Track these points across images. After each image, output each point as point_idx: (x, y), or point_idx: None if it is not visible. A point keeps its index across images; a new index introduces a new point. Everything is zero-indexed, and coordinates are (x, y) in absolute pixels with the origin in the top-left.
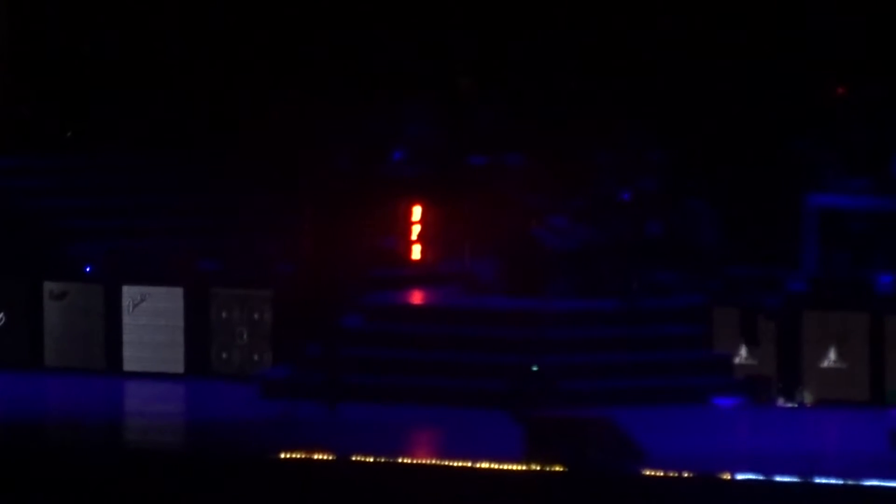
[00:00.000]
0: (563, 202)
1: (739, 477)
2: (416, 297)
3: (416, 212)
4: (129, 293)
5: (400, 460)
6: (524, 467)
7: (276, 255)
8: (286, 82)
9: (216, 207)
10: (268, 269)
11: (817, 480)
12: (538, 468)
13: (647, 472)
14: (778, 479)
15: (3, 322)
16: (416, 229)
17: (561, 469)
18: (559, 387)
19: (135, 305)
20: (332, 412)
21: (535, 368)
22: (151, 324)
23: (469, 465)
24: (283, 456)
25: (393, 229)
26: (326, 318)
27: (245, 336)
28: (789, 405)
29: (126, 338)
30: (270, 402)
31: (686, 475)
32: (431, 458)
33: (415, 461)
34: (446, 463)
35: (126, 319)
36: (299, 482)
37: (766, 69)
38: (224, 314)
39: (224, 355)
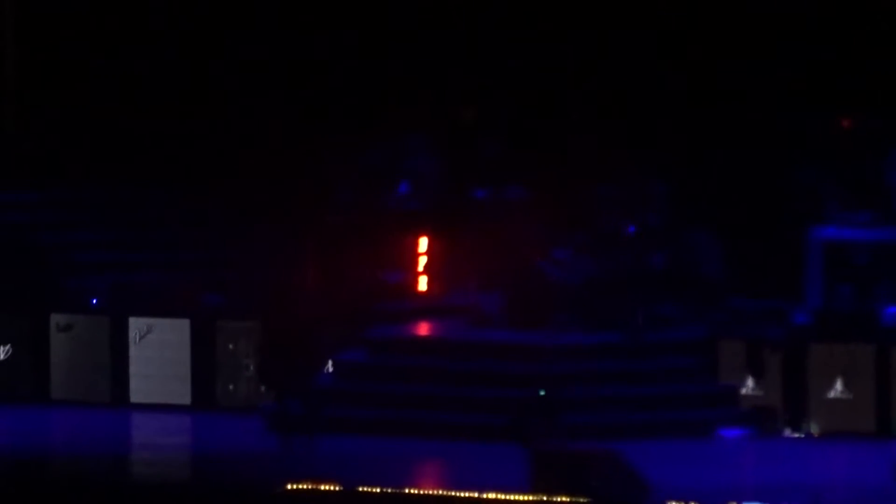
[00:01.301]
0: (567, 235)
1: None
2: (421, 330)
3: (423, 243)
4: (135, 325)
5: (406, 491)
6: (530, 499)
7: (277, 288)
8: (288, 115)
9: (221, 240)
10: (270, 302)
11: None
12: (544, 500)
13: None
14: None
15: (8, 354)
16: (422, 261)
17: (566, 501)
18: (563, 420)
19: (141, 337)
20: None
21: (542, 393)
22: (158, 356)
23: (475, 495)
24: (289, 487)
25: (398, 262)
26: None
27: (251, 368)
28: (795, 436)
29: (132, 370)
30: (276, 435)
31: None
32: (438, 489)
33: (421, 492)
34: (453, 493)
35: (132, 351)
36: None
37: (770, 101)
38: (230, 346)
39: (230, 387)
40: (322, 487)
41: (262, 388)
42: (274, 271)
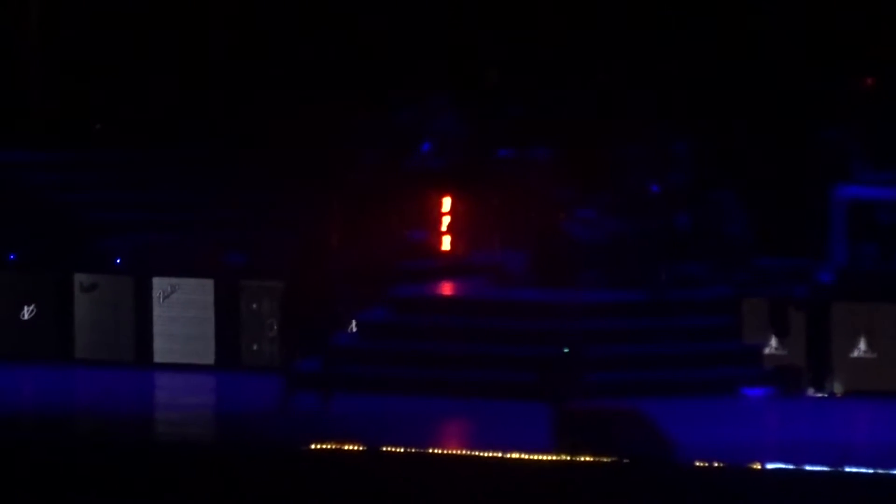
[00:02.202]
0: (592, 194)
1: (770, 466)
2: (446, 289)
3: (446, 203)
4: (159, 285)
5: (430, 451)
6: (554, 457)
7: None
8: (313, 76)
9: (245, 200)
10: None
11: (847, 470)
12: (568, 458)
13: (677, 462)
14: (808, 468)
15: (33, 314)
16: (445, 220)
17: (590, 459)
18: (588, 378)
19: (165, 297)
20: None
21: (566, 350)
22: (181, 315)
23: (499, 455)
24: (313, 447)
25: (422, 221)
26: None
27: (275, 328)
28: (819, 395)
29: (156, 329)
30: (290, 393)
31: (716, 465)
32: (461, 448)
33: (445, 451)
34: (476, 453)
35: (156, 311)
36: (329, 473)
37: (794, 60)
38: (254, 306)
39: (254, 347)
40: (346, 447)
41: (279, 347)
42: (298, 230)
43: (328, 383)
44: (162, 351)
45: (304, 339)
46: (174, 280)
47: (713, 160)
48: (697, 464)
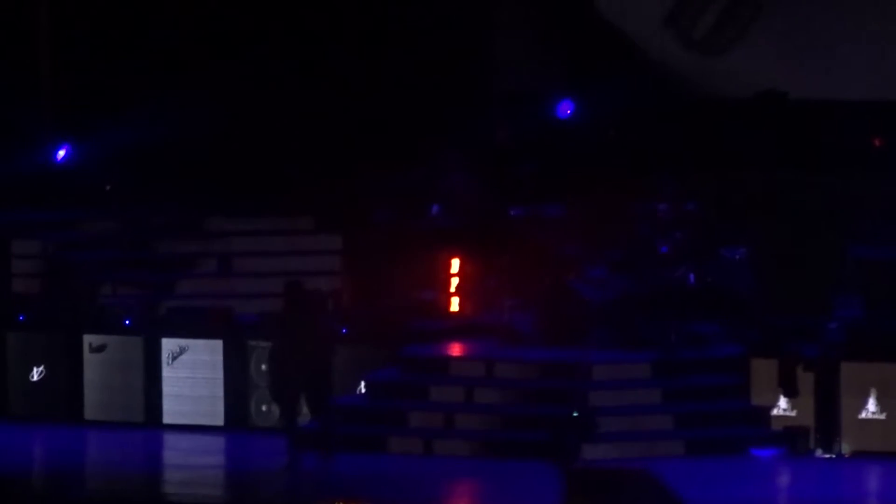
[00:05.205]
0: (601, 253)
1: None
2: (455, 349)
3: (455, 264)
4: (168, 346)
5: None
6: None
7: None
8: (325, 136)
9: (255, 260)
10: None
11: None
12: None
13: None
14: None
15: (42, 375)
16: (454, 281)
17: None
18: (597, 438)
19: (174, 358)
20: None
21: (575, 414)
22: (191, 376)
23: None
24: None
25: (432, 281)
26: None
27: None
28: (827, 456)
29: (165, 390)
30: (308, 454)
31: None
32: None
33: None
34: None
35: (165, 372)
36: None
37: (803, 119)
38: (263, 366)
39: (263, 408)
40: None
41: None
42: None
43: (334, 443)
44: (171, 412)
45: (300, 398)
46: (183, 341)
47: (722, 217)
48: None
